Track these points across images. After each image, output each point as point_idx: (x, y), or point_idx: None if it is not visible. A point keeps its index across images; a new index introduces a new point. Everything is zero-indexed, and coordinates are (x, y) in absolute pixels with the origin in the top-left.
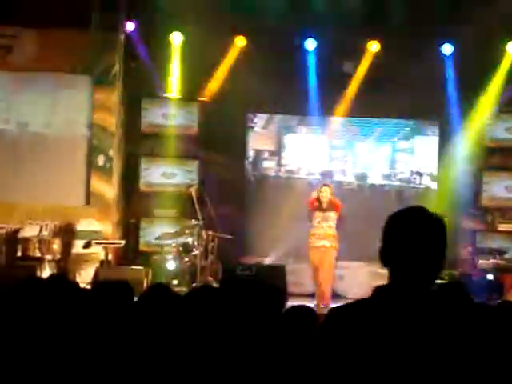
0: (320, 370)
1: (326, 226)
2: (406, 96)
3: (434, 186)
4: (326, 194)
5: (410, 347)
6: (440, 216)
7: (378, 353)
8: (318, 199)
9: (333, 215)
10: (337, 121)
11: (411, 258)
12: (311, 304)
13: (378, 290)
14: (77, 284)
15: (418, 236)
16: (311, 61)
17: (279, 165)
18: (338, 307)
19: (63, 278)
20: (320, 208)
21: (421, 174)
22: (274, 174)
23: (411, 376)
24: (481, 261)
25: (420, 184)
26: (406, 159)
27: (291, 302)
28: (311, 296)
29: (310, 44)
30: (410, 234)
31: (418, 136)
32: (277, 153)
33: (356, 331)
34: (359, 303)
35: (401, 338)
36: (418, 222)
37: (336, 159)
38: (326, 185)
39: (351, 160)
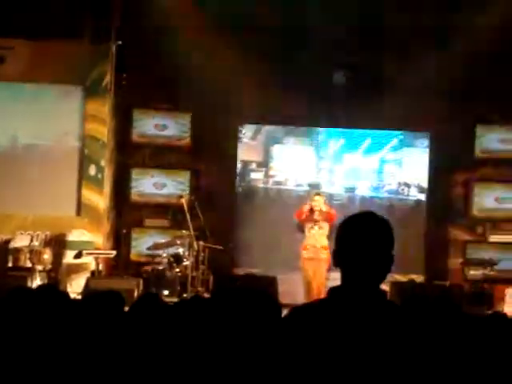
0: (279, 367)
1: (318, 237)
2: (396, 107)
3: (423, 197)
4: (319, 204)
5: (360, 343)
6: (386, 220)
7: (330, 349)
8: (311, 209)
9: (325, 225)
10: (325, 131)
11: (360, 259)
12: None
13: (332, 291)
14: (67, 294)
15: (365, 239)
16: (301, 72)
17: (267, 176)
18: (298, 307)
19: (53, 287)
20: (312, 219)
21: (409, 186)
22: (261, 185)
23: (362, 374)
24: (471, 272)
25: (408, 196)
26: (393, 171)
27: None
28: None
29: (301, 55)
30: (358, 237)
31: (407, 148)
32: (264, 164)
33: (313, 330)
34: (317, 303)
35: (352, 335)
36: (366, 226)
37: (324, 170)
38: (318, 194)
39: (339, 171)
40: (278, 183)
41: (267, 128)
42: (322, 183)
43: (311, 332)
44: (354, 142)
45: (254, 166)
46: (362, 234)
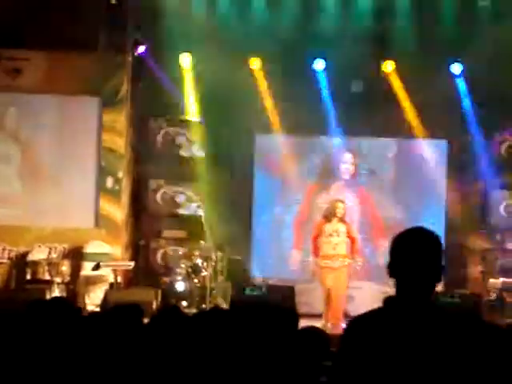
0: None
1: (337, 246)
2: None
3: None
4: (341, 211)
5: (418, 349)
6: (436, 234)
7: (392, 356)
8: (326, 216)
9: (343, 229)
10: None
11: (412, 271)
12: (318, 324)
13: (388, 300)
14: (75, 306)
15: (417, 252)
16: (322, 81)
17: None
18: (358, 317)
19: (64, 301)
20: (328, 222)
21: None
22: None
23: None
24: (491, 280)
25: None
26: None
27: (300, 323)
28: (320, 316)
29: (320, 64)
30: (410, 251)
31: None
32: None
33: (373, 338)
34: (375, 312)
35: (408, 342)
36: (417, 240)
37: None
38: (340, 201)
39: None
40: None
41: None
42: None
43: (374, 339)
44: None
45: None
46: (414, 248)
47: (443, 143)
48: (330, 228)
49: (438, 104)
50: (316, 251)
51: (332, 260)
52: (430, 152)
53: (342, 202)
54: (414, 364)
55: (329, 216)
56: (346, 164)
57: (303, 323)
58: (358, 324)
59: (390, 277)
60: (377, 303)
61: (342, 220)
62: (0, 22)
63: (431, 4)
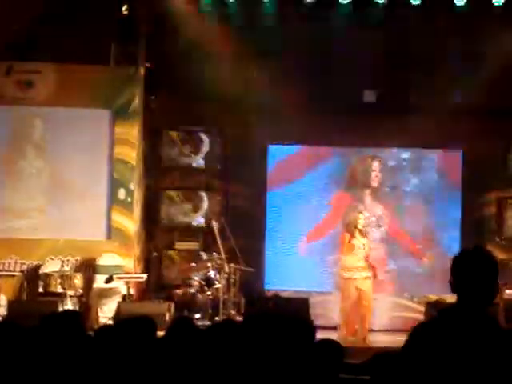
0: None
1: (360, 257)
2: (427, 125)
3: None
4: (362, 222)
5: (476, 357)
6: (492, 254)
7: (454, 362)
8: (349, 229)
9: (365, 241)
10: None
11: (473, 287)
12: (334, 336)
13: (444, 311)
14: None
15: (477, 271)
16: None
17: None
18: (418, 326)
19: (76, 314)
20: (351, 235)
21: None
22: None
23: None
24: (507, 291)
25: None
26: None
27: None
28: (335, 328)
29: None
30: (470, 269)
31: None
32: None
33: (438, 345)
34: (435, 322)
35: (468, 349)
36: (477, 260)
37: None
38: (361, 212)
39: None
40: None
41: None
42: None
43: (439, 347)
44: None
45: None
46: (474, 268)
47: (459, 153)
48: (354, 240)
49: (455, 110)
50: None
51: (354, 271)
52: (446, 162)
53: (363, 213)
54: (472, 369)
55: (351, 228)
56: (375, 172)
57: (320, 335)
58: (421, 332)
59: (452, 292)
60: (393, 315)
61: (362, 232)
62: (12, 35)
63: None
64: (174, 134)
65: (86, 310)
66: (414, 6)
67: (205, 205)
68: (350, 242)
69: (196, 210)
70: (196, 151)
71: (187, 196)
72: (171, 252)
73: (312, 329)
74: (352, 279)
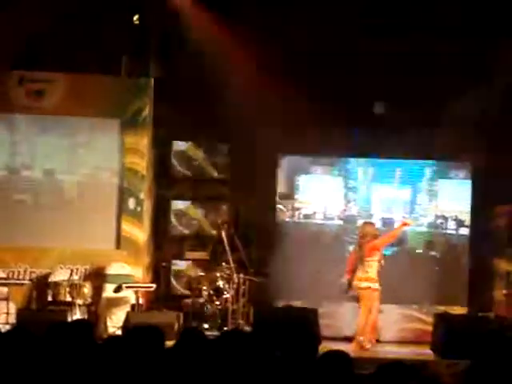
0: None
1: (369, 269)
2: (434, 137)
3: (462, 230)
4: (371, 233)
5: None
6: None
7: None
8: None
9: (376, 255)
10: (356, 161)
11: None
12: (345, 347)
13: None
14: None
15: None
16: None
17: (292, 209)
18: None
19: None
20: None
21: (446, 218)
22: (288, 218)
23: None
24: None
25: (446, 228)
26: (427, 203)
27: (326, 344)
28: (346, 339)
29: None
30: None
31: (442, 179)
32: (289, 195)
33: None
34: None
35: None
36: None
37: (353, 202)
38: (369, 223)
39: (372, 203)
40: (307, 217)
41: (291, 157)
42: (356, 217)
43: None
44: (385, 173)
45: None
46: None
47: (468, 165)
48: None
49: (464, 122)
50: (350, 272)
51: (364, 282)
52: (455, 174)
53: (371, 224)
54: None
55: (360, 239)
56: None
57: (329, 346)
58: None
59: None
60: (402, 326)
61: (367, 242)
62: (23, 45)
63: None
64: (183, 143)
65: (95, 319)
66: None
67: (214, 214)
68: (363, 253)
69: (205, 219)
70: (206, 161)
71: (197, 206)
72: (180, 262)
73: (316, 340)
74: (361, 289)
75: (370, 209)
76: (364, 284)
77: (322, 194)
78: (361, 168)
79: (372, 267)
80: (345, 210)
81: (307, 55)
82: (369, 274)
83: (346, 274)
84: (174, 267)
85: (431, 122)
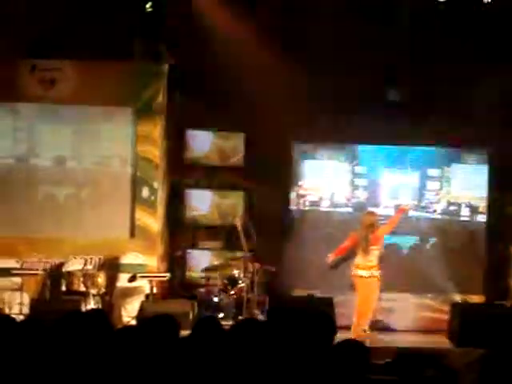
0: None
1: (370, 256)
2: (450, 123)
3: (476, 216)
4: (372, 222)
5: None
6: None
7: None
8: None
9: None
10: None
11: None
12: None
13: None
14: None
15: None
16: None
17: (297, 196)
18: None
19: (100, 312)
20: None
21: (459, 205)
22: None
23: None
24: None
25: (459, 215)
26: (439, 189)
27: (340, 335)
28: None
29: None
30: None
31: (456, 164)
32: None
33: None
34: None
35: None
36: None
37: (362, 188)
38: (370, 213)
39: (381, 189)
40: (313, 203)
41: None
42: (365, 203)
43: None
44: (395, 158)
45: None
46: None
47: (484, 152)
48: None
49: (480, 108)
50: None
51: (363, 270)
52: (471, 160)
53: (372, 213)
54: None
55: (365, 229)
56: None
57: (343, 336)
58: None
59: None
60: (417, 315)
61: (372, 231)
62: (35, 33)
63: None
64: (197, 131)
65: (109, 308)
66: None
67: (229, 203)
68: (368, 242)
69: (220, 208)
70: (219, 149)
71: (211, 194)
72: (195, 251)
73: (333, 328)
74: (358, 277)
75: (377, 195)
76: (367, 273)
77: (328, 180)
78: (369, 153)
79: (374, 255)
80: (352, 197)
81: (320, 43)
82: (372, 263)
83: (332, 254)
84: (188, 256)
85: (447, 108)
